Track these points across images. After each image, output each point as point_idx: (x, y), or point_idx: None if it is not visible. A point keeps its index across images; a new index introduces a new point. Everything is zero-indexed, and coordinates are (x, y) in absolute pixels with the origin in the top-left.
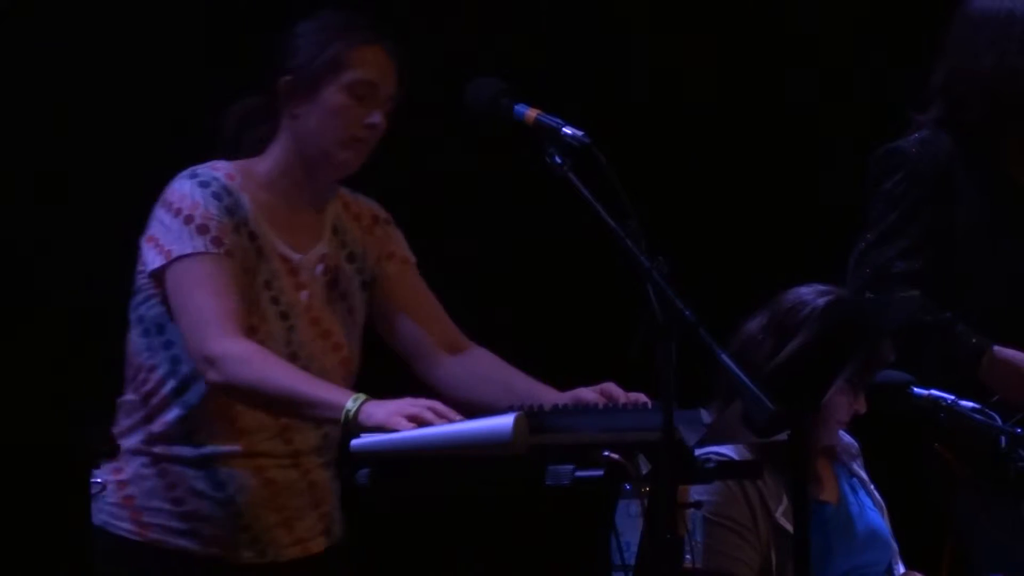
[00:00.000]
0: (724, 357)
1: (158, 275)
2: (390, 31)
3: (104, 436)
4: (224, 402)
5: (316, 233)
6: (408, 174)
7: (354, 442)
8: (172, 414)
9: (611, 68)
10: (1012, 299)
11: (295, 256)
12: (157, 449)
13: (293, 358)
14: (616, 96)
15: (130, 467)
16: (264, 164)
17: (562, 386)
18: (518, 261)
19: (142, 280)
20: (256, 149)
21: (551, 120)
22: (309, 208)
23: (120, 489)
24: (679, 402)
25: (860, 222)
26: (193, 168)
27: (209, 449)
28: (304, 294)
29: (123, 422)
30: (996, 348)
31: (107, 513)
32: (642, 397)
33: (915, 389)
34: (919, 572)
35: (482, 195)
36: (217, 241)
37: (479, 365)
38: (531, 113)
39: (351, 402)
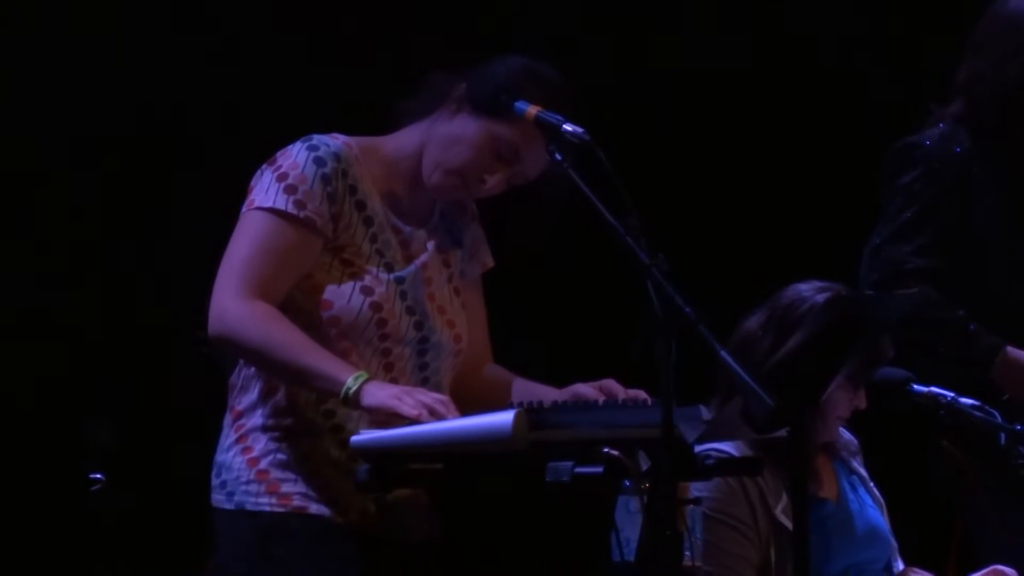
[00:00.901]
0: (724, 354)
1: (240, 218)
2: (576, 115)
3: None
4: (351, 363)
5: (427, 214)
6: None
7: (353, 438)
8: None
9: (608, 66)
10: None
11: (406, 228)
12: (286, 422)
13: (416, 327)
14: (614, 94)
15: (259, 443)
16: (391, 143)
17: (562, 384)
18: (517, 259)
19: None
20: (405, 119)
21: (551, 117)
22: (421, 191)
23: (252, 467)
24: (679, 399)
25: (859, 218)
26: (308, 135)
27: (339, 417)
28: (417, 263)
29: (240, 402)
30: (1009, 348)
31: (241, 493)
32: (642, 394)
33: (914, 386)
34: (918, 569)
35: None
36: (299, 204)
37: (494, 381)
38: (531, 109)
39: (352, 379)
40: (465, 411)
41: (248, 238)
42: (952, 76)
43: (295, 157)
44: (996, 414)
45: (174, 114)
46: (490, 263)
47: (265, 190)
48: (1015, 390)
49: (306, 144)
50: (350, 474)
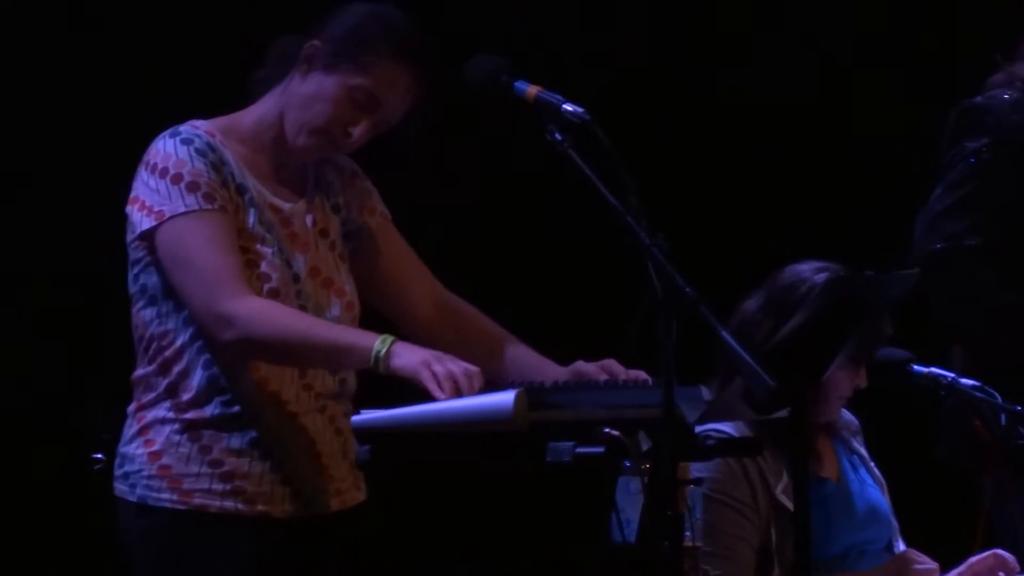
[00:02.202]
0: (724, 334)
1: (149, 237)
2: (430, 57)
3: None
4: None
5: (300, 184)
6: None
7: (354, 418)
8: (197, 377)
9: (610, 44)
10: None
11: (285, 206)
12: (187, 415)
13: (302, 309)
14: (614, 73)
15: (160, 437)
16: (249, 117)
17: (563, 363)
18: (519, 239)
19: (135, 249)
20: (258, 91)
21: (551, 97)
22: (291, 161)
23: (153, 461)
24: (679, 379)
25: (855, 199)
26: (173, 127)
27: (239, 406)
28: (300, 242)
29: (143, 397)
30: None
31: (143, 487)
32: (642, 375)
33: (915, 367)
34: (918, 551)
35: (482, 172)
36: (209, 197)
37: (468, 323)
38: (531, 90)
39: (379, 343)
40: (450, 350)
41: (192, 246)
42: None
43: (177, 154)
44: (996, 395)
45: None
46: (388, 213)
47: (167, 197)
48: None
49: (179, 139)
50: (254, 462)
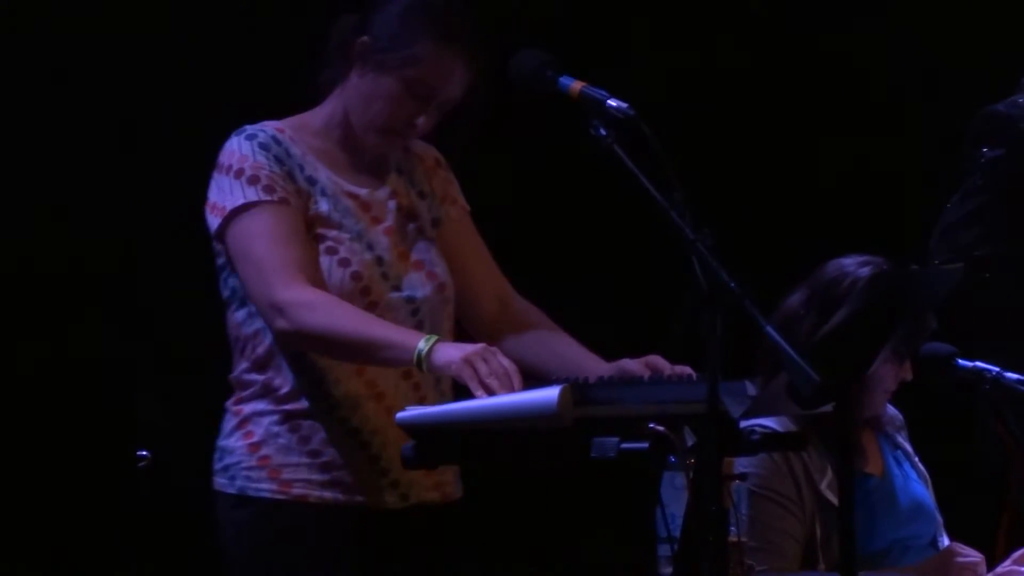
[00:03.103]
0: (769, 329)
1: (220, 238)
2: (481, 38)
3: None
4: None
5: (381, 173)
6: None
7: (399, 415)
8: (292, 371)
9: (653, 36)
10: None
11: (362, 192)
12: (286, 407)
13: (396, 290)
14: (659, 66)
15: (260, 429)
16: (318, 116)
17: (608, 359)
18: (565, 235)
19: (218, 253)
20: (327, 89)
21: (596, 92)
22: (368, 154)
23: (253, 452)
24: (724, 374)
25: (902, 195)
26: (241, 127)
27: (338, 395)
28: (383, 226)
29: (241, 392)
30: None
31: (243, 479)
32: (687, 370)
33: (959, 361)
34: (964, 545)
35: (528, 168)
36: (269, 189)
37: (528, 324)
38: (576, 85)
39: (423, 342)
40: (505, 348)
41: (251, 237)
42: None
43: (240, 150)
44: None
45: None
46: (466, 206)
47: (229, 192)
48: None
49: (243, 135)
50: (355, 452)
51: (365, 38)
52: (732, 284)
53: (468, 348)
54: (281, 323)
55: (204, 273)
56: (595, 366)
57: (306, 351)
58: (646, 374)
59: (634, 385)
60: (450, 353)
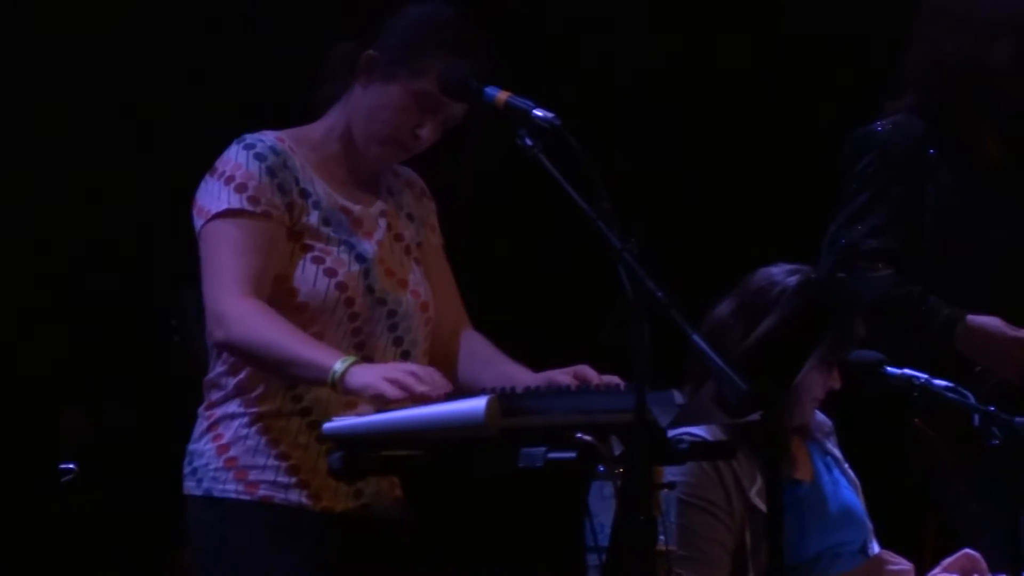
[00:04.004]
0: (696, 338)
1: (198, 237)
2: (486, 48)
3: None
4: None
5: (372, 192)
6: None
7: (326, 425)
8: (265, 374)
9: (584, 51)
10: (984, 275)
11: (355, 207)
12: (257, 409)
13: (380, 303)
14: (586, 80)
15: (229, 431)
16: (318, 128)
17: (536, 370)
18: (491, 246)
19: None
20: (324, 106)
21: (522, 102)
22: (364, 168)
23: (221, 454)
24: (652, 384)
25: (828, 202)
26: (242, 136)
27: (309, 399)
28: (372, 242)
29: (213, 395)
30: (970, 316)
31: (210, 480)
32: (616, 380)
33: (888, 368)
34: (893, 552)
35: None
36: (254, 200)
37: (472, 351)
38: (502, 95)
39: (339, 364)
40: (449, 374)
41: (219, 245)
42: (899, 71)
43: (236, 159)
44: (969, 395)
45: None
46: (441, 237)
47: (216, 197)
48: (981, 357)
49: (242, 144)
50: (321, 457)
51: (372, 51)
52: (659, 293)
53: (382, 366)
54: (218, 333)
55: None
56: (523, 376)
57: (242, 362)
58: (574, 384)
59: (561, 395)
60: (365, 374)
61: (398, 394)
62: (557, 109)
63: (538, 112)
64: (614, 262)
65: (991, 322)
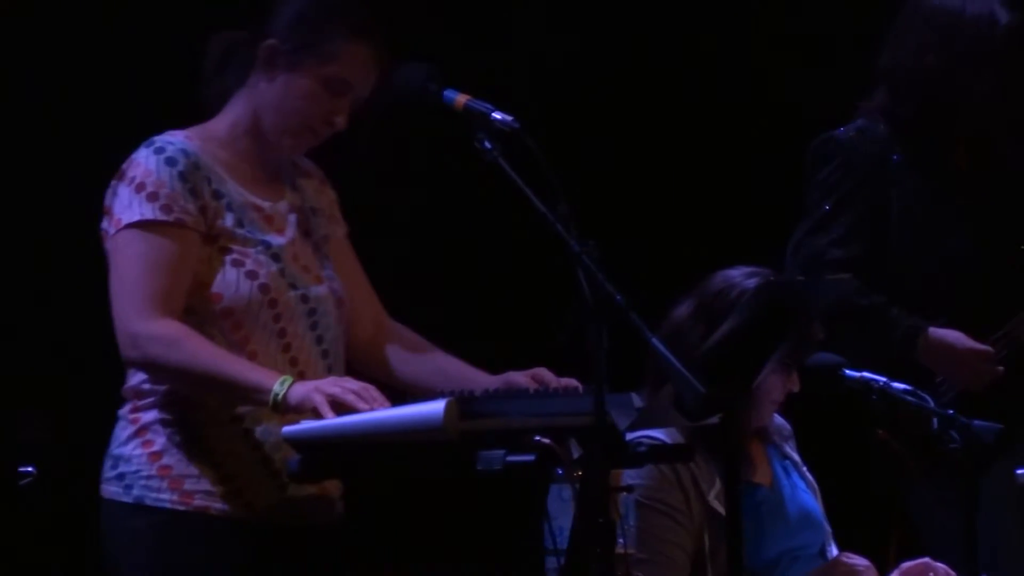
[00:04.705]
0: (655, 341)
1: (111, 244)
2: (384, 25)
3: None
4: (251, 351)
5: (279, 186)
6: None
7: (285, 429)
8: None
9: (544, 53)
10: (948, 284)
11: (265, 204)
12: (190, 417)
13: (302, 301)
14: (547, 82)
15: (160, 438)
16: (222, 123)
17: (494, 373)
18: (449, 248)
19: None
20: (219, 101)
21: (480, 105)
22: (269, 164)
23: (153, 461)
24: (610, 387)
25: (787, 204)
26: (150, 138)
27: (242, 408)
28: (285, 238)
29: (139, 402)
30: (931, 329)
31: (141, 488)
32: (574, 383)
33: (847, 371)
34: (852, 553)
35: (412, 182)
36: (167, 209)
37: (403, 343)
38: (460, 98)
39: (278, 385)
40: (383, 369)
41: (131, 258)
42: (873, 67)
43: (146, 164)
44: (928, 399)
45: None
46: (345, 226)
47: (127, 205)
48: (943, 369)
49: (152, 148)
50: (256, 465)
51: (271, 41)
52: (617, 296)
53: (317, 380)
54: (132, 353)
55: (94, 281)
56: (481, 379)
57: (163, 383)
58: (532, 387)
59: (520, 398)
60: (302, 390)
61: (332, 414)
62: (514, 110)
63: (497, 115)
64: (573, 264)
65: (952, 334)
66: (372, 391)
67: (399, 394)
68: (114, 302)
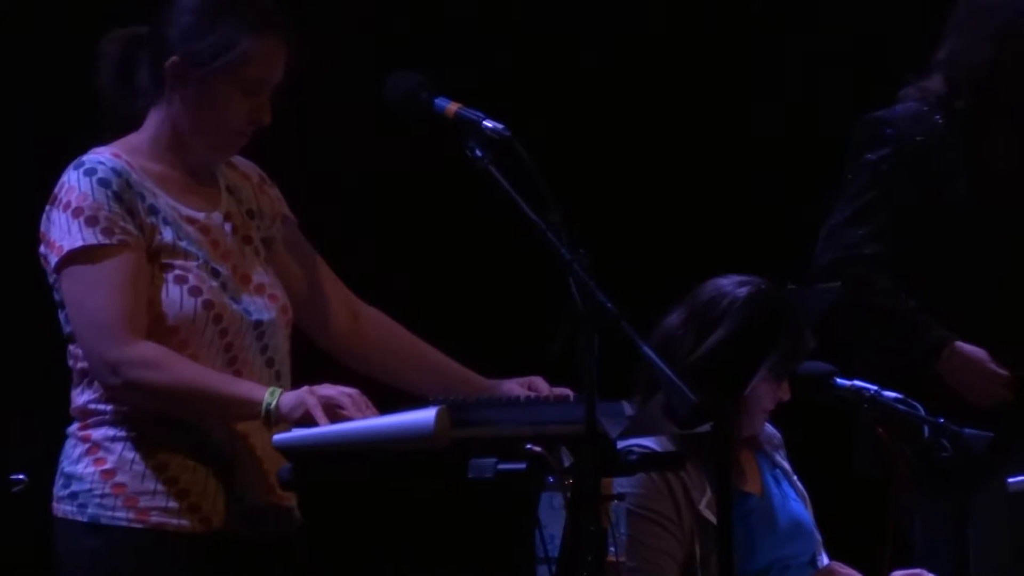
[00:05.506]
0: (646, 349)
1: (56, 275)
2: (278, 8)
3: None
4: None
5: (214, 194)
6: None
7: (276, 437)
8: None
9: (534, 60)
10: (981, 289)
11: (200, 215)
12: (141, 433)
13: (246, 314)
14: (538, 89)
15: (112, 456)
16: (145, 136)
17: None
18: (442, 257)
19: (56, 290)
20: (137, 112)
21: (471, 113)
22: (200, 171)
23: (106, 479)
24: (601, 395)
25: (781, 214)
26: (78, 158)
27: (192, 421)
28: (222, 251)
29: (89, 418)
30: (959, 344)
31: (96, 507)
32: (567, 392)
33: (838, 380)
34: (843, 564)
35: (408, 191)
36: (108, 232)
37: (384, 334)
38: (451, 106)
39: (268, 395)
40: (363, 362)
41: (85, 285)
42: (931, 50)
43: (80, 188)
44: (919, 407)
45: None
46: (293, 217)
47: (67, 232)
48: (963, 386)
49: (82, 170)
50: (210, 478)
51: (174, 58)
52: (609, 304)
53: (307, 388)
54: (114, 379)
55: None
56: (474, 381)
57: (147, 405)
58: (525, 395)
59: (511, 406)
60: (293, 395)
61: (326, 419)
62: (503, 114)
63: (488, 123)
64: (564, 273)
65: (977, 352)
66: (363, 399)
67: (389, 399)
68: (80, 334)
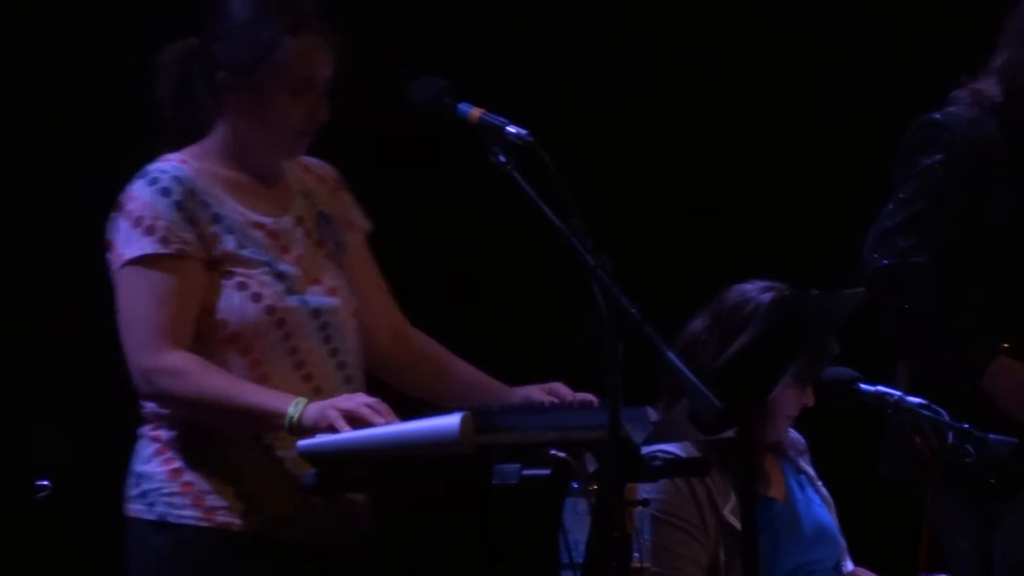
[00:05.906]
0: (670, 354)
1: (115, 278)
2: (319, 9)
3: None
4: (263, 374)
5: (285, 198)
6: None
7: (300, 443)
8: None
9: (557, 66)
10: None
11: (268, 220)
12: (212, 434)
13: (313, 316)
14: (560, 95)
15: (181, 455)
16: (213, 142)
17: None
18: (467, 262)
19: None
20: (204, 122)
21: (495, 119)
22: (269, 175)
23: (175, 478)
24: (626, 400)
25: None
26: (145, 167)
27: None
28: (293, 255)
29: (160, 420)
30: (1006, 359)
31: (164, 505)
32: (590, 397)
33: (862, 385)
34: (866, 569)
35: (431, 195)
36: (165, 241)
37: (424, 356)
38: (475, 112)
39: (292, 407)
40: (400, 380)
41: (135, 293)
42: (985, 54)
43: (141, 197)
44: (943, 412)
45: None
46: (366, 227)
47: (127, 240)
48: (1008, 402)
49: (146, 180)
50: (277, 481)
51: (222, 74)
52: (633, 310)
53: (332, 399)
54: (144, 387)
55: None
56: (498, 390)
57: (179, 414)
58: (548, 401)
59: (535, 412)
60: (316, 408)
61: (348, 428)
62: (526, 123)
63: (511, 128)
64: (588, 278)
65: (1022, 368)
66: (385, 407)
67: (415, 406)
68: (123, 338)
